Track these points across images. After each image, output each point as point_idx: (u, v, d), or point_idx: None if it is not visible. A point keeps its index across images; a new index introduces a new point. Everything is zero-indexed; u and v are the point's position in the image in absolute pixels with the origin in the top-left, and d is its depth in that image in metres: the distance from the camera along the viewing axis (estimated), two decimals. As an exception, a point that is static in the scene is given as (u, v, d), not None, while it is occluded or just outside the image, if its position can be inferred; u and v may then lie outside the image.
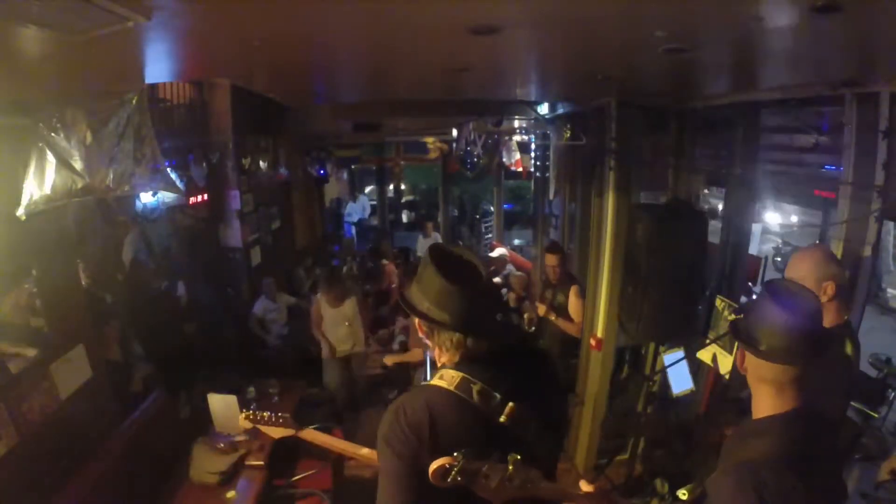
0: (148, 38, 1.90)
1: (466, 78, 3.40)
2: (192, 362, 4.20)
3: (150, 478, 3.02)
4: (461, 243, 10.23)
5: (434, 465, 1.08)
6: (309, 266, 6.98)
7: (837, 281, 1.91)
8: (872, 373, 4.79)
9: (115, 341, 3.71)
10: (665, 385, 3.80)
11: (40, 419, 2.51)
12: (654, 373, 3.99)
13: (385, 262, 7.98)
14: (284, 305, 5.42)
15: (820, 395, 1.32)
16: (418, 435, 1.17)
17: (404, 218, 13.80)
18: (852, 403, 3.66)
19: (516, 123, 7.63)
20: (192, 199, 4.48)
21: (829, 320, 1.78)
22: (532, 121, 6.96)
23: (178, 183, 3.40)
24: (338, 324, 4.76)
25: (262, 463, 3.17)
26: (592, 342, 3.97)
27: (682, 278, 3.38)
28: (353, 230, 11.28)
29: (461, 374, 1.24)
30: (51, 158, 2.38)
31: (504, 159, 8.52)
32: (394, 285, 7.31)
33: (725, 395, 3.71)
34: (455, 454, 1.08)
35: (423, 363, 4.01)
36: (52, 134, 2.38)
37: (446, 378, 1.25)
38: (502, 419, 1.21)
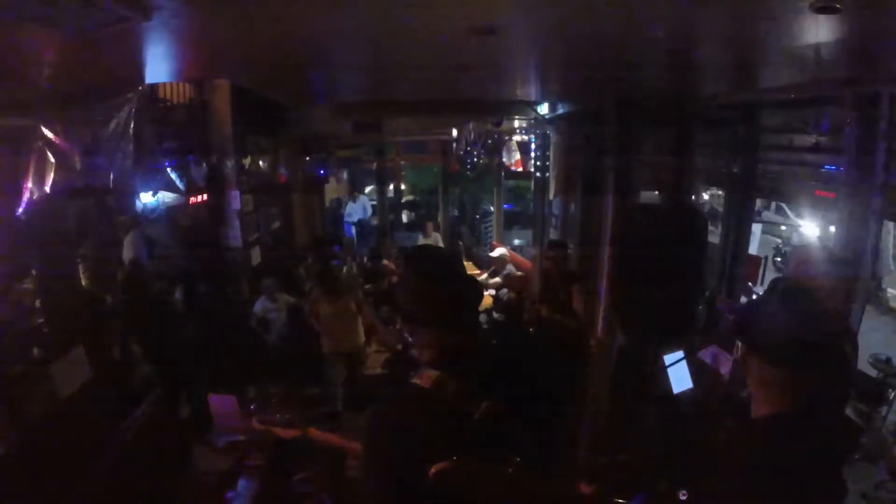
0: (148, 37, 1.91)
1: (466, 78, 3.40)
2: (192, 362, 4.20)
3: (150, 478, 3.02)
4: (461, 243, 10.25)
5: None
6: (309, 266, 6.97)
7: (837, 281, 1.91)
8: (872, 373, 4.79)
9: (115, 341, 3.71)
10: (665, 385, 3.80)
11: (40, 419, 2.51)
12: (654, 373, 3.99)
13: (385, 262, 7.97)
14: (284, 305, 5.41)
15: (820, 395, 1.32)
16: (395, 433, 1.22)
17: (404, 218, 13.78)
18: (852, 403, 3.67)
19: (516, 123, 7.63)
20: (192, 199, 4.47)
21: (828, 320, 1.78)
22: (532, 121, 6.96)
23: (178, 183, 3.40)
24: (336, 320, 4.76)
25: (262, 463, 3.17)
26: (592, 342, 3.97)
27: (681, 278, 3.38)
28: (353, 230, 11.27)
29: (437, 373, 1.27)
30: (51, 158, 2.39)
31: (504, 159, 8.52)
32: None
33: (725, 395, 3.70)
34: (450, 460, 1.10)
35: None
36: (52, 134, 2.39)
37: (424, 377, 1.28)
38: (478, 416, 1.23)
